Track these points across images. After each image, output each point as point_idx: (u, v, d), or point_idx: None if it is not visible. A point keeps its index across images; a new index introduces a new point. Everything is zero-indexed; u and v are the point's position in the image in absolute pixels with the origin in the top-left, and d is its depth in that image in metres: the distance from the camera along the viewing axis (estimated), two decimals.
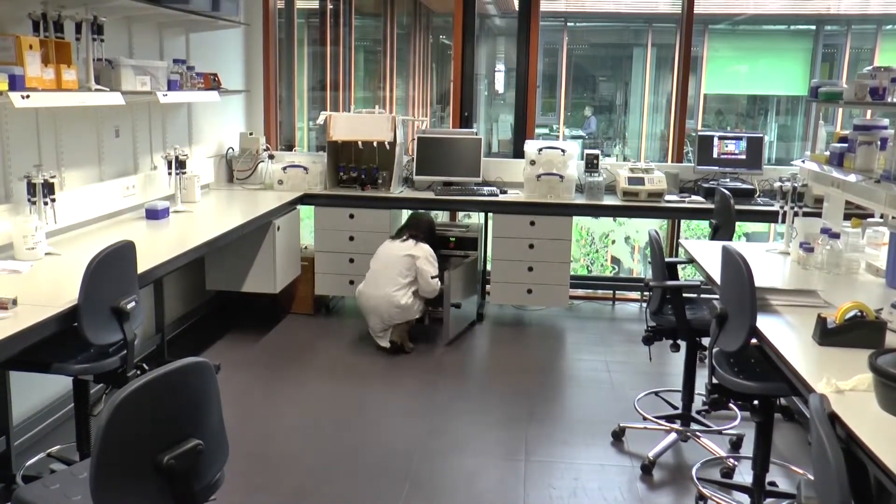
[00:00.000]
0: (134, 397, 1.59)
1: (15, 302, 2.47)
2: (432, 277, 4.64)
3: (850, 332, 2.35)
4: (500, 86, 10.23)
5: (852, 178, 3.25)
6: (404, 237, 4.74)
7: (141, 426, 1.63)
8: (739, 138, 5.41)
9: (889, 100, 3.16)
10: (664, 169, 5.32)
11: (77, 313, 2.53)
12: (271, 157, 5.49)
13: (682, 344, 3.57)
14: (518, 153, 5.59)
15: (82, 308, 2.53)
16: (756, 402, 2.79)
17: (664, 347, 3.66)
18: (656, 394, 4.12)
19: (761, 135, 5.47)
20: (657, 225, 6.11)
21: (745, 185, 5.16)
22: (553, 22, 9.34)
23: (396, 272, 4.61)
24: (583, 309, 5.79)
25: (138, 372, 2.78)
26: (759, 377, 2.71)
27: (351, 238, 5.17)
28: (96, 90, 3.43)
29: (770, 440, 2.90)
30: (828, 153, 3.68)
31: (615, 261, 7.62)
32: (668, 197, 5.08)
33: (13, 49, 2.89)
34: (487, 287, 5.36)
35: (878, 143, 3.26)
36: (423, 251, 4.68)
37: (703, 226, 4.83)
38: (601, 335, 5.17)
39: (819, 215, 4.16)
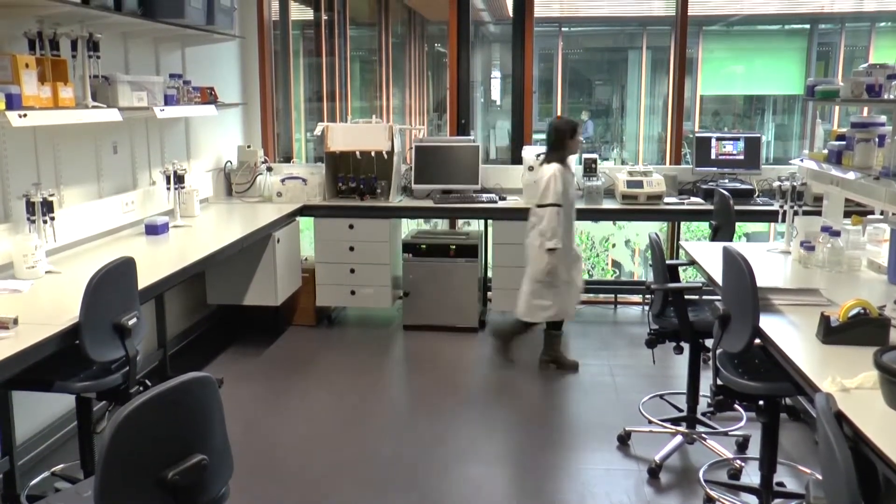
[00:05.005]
0: (137, 414, 1.58)
1: (16, 321, 2.46)
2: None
3: (854, 330, 2.34)
4: (496, 92, 10.25)
5: (851, 175, 3.25)
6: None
7: (144, 443, 1.62)
8: (737, 139, 5.42)
9: (885, 96, 3.16)
10: (663, 171, 5.32)
11: (78, 331, 2.52)
12: (270, 169, 5.50)
13: (686, 346, 3.56)
14: (516, 159, 5.59)
15: (83, 325, 2.52)
16: (761, 402, 2.79)
17: (667, 350, 3.65)
18: (661, 397, 4.11)
19: (759, 135, 5.48)
20: (657, 227, 6.10)
21: (744, 186, 5.16)
22: (547, 27, 9.35)
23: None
24: (585, 313, 5.77)
25: (141, 388, 2.77)
26: (763, 377, 2.70)
27: (351, 248, 5.16)
28: (93, 107, 3.43)
29: (776, 440, 2.89)
30: (826, 151, 3.68)
31: (616, 264, 7.61)
32: (667, 199, 5.08)
33: (9, 68, 2.90)
34: (489, 294, 5.35)
35: (876, 139, 3.26)
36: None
37: (704, 227, 4.83)
38: (604, 339, 5.16)
39: (819, 214, 4.16)
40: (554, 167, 4.27)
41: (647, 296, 4.93)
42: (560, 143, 4.33)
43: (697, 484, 3.25)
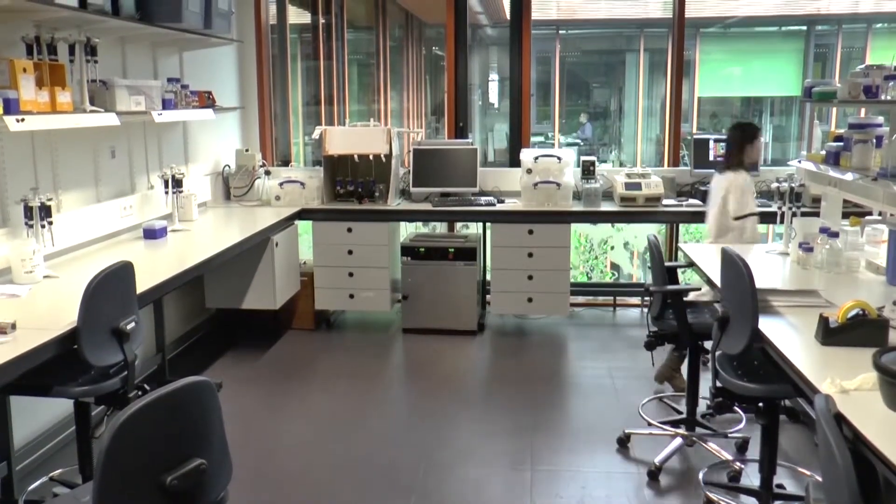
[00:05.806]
0: (136, 418, 1.57)
1: (14, 326, 2.45)
2: None
3: (853, 331, 2.34)
4: (494, 95, 10.26)
5: (849, 176, 3.25)
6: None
7: (143, 447, 1.61)
8: None
9: (883, 97, 3.16)
10: (661, 173, 5.32)
11: (77, 335, 2.51)
12: (268, 173, 5.50)
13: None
14: (514, 162, 5.59)
15: (82, 330, 2.51)
16: (760, 404, 2.78)
17: (667, 352, 3.66)
18: (660, 399, 4.11)
19: None
20: (655, 229, 6.10)
21: None
22: (545, 30, 9.38)
23: None
24: (584, 316, 5.78)
25: (139, 393, 2.77)
26: (762, 379, 2.70)
27: (350, 252, 5.16)
28: (91, 111, 3.43)
29: (776, 442, 2.89)
30: (824, 152, 3.68)
31: (614, 267, 7.61)
32: (665, 201, 5.08)
33: (7, 73, 2.89)
34: (488, 297, 5.35)
35: (874, 140, 3.26)
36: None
37: (702, 229, 4.84)
38: (603, 342, 5.15)
39: (817, 215, 4.15)
40: (738, 177, 4.12)
41: (646, 298, 4.94)
42: (738, 150, 4.18)
43: (697, 486, 3.24)
